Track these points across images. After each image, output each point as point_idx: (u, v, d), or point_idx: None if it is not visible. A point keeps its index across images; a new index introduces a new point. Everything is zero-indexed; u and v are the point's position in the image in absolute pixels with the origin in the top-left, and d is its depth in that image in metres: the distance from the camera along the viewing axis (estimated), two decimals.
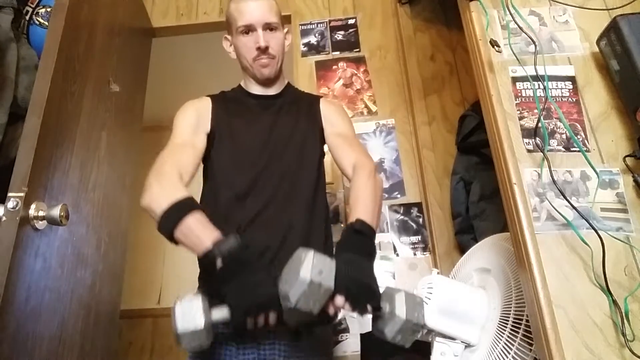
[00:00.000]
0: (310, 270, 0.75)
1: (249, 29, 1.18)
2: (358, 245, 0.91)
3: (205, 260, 0.89)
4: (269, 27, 1.19)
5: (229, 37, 1.26)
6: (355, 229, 0.92)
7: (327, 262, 0.79)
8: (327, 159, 1.32)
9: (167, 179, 0.99)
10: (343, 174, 1.18)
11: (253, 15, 1.17)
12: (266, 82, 1.23)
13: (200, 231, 0.90)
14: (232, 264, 0.86)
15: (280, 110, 1.23)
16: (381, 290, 0.87)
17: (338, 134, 1.23)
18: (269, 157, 1.14)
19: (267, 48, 1.17)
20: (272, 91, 1.25)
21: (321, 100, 1.31)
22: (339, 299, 0.81)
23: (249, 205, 1.09)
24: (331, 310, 0.84)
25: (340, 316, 0.88)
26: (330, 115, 1.27)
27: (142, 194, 0.98)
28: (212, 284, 0.95)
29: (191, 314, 0.79)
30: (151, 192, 0.97)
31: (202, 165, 1.17)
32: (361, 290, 0.83)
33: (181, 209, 0.92)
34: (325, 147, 1.26)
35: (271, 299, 0.82)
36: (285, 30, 1.26)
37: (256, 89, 1.25)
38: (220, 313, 0.83)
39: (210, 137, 1.16)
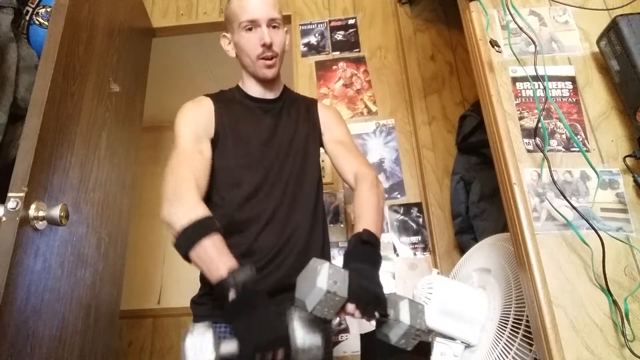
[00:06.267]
0: (326, 280, 0.80)
1: (253, 25, 1.16)
2: (366, 255, 0.95)
3: (218, 289, 0.88)
4: (272, 23, 1.18)
5: (228, 35, 1.24)
6: (362, 240, 0.96)
7: (341, 273, 0.83)
8: (328, 161, 1.32)
9: (186, 192, 0.97)
10: (344, 181, 1.21)
11: (258, 10, 1.16)
12: (266, 83, 1.23)
13: (216, 256, 0.89)
14: (245, 298, 0.85)
15: (281, 113, 1.24)
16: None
17: (337, 141, 1.25)
18: (273, 160, 1.15)
19: (271, 44, 1.16)
20: (272, 95, 1.25)
21: (318, 104, 1.33)
22: (350, 307, 0.85)
23: (257, 206, 1.10)
24: (342, 316, 0.87)
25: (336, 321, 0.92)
26: (328, 121, 1.29)
27: (162, 206, 0.96)
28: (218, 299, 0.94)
29: (202, 347, 0.80)
30: (170, 206, 0.95)
31: None
32: (370, 298, 0.86)
33: (199, 229, 0.91)
34: (321, 149, 1.27)
35: (281, 338, 0.83)
36: (285, 29, 1.26)
37: (256, 91, 1.24)
38: (229, 346, 0.84)
39: (214, 139, 1.15)
